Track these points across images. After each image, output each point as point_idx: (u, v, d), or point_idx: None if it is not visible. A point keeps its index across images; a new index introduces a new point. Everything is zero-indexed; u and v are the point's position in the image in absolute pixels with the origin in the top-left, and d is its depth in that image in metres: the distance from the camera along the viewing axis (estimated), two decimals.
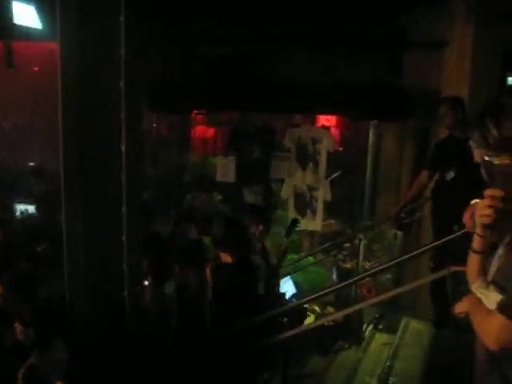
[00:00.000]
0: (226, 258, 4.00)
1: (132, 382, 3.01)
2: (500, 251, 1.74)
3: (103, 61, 2.95)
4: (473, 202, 2.50)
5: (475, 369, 1.90)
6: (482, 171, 1.73)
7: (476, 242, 1.83)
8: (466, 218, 2.43)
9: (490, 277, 1.76)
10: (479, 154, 1.66)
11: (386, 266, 3.74)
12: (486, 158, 1.63)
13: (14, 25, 5.76)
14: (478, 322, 1.72)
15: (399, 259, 3.76)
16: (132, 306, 3.11)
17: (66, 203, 3.04)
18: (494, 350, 1.66)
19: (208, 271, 4.08)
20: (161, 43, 6.16)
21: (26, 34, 6.09)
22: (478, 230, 1.83)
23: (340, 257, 6.40)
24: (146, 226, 5.30)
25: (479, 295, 1.72)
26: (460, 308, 1.87)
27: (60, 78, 2.95)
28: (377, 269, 3.94)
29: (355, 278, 3.84)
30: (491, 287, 1.70)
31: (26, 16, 5.83)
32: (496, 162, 1.61)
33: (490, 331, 1.66)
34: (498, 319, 1.61)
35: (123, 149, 2.97)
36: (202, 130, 9.37)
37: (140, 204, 3.32)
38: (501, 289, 1.66)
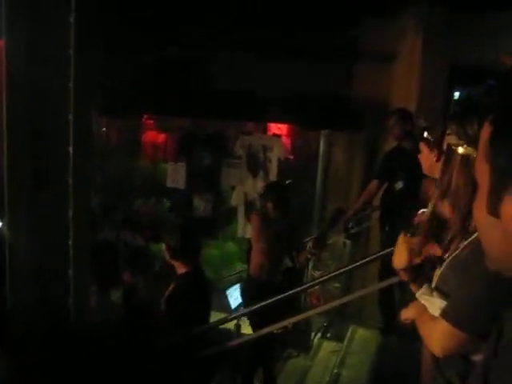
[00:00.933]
0: (180, 267, 3.94)
1: None
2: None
3: (51, 60, 2.87)
4: (420, 211, 2.55)
5: (422, 375, 1.92)
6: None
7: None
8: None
9: (433, 283, 1.79)
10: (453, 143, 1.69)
11: (334, 274, 3.76)
12: (459, 150, 1.66)
13: None
14: (423, 328, 1.75)
15: (347, 268, 3.79)
16: (77, 313, 3.03)
17: (10, 207, 2.94)
18: (439, 355, 1.69)
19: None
20: (112, 46, 6.08)
21: None
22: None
23: (290, 265, 6.40)
24: (94, 231, 5.19)
25: (423, 302, 1.75)
26: (406, 315, 1.89)
27: (5, 76, 2.86)
28: (325, 277, 3.96)
29: (304, 287, 3.85)
30: (435, 294, 1.72)
31: None
32: (461, 151, 1.65)
33: (434, 337, 1.68)
34: (442, 325, 1.63)
35: (71, 151, 2.90)
36: (153, 136, 9.26)
37: (88, 208, 3.23)
38: (444, 295, 1.69)
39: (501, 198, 0.79)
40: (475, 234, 1.65)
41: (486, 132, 0.85)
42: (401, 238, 1.91)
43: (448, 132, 1.71)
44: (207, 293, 4.06)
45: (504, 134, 0.79)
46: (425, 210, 2.55)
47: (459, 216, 1.67)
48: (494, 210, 0.81)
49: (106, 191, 7.66)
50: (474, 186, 1.59)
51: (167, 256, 3.90)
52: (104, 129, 8.78)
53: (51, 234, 2.94)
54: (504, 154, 0.79)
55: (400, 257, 1.88)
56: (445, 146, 1.73)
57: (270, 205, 4.62)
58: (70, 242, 2.90)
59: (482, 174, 0.85)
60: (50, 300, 2.99)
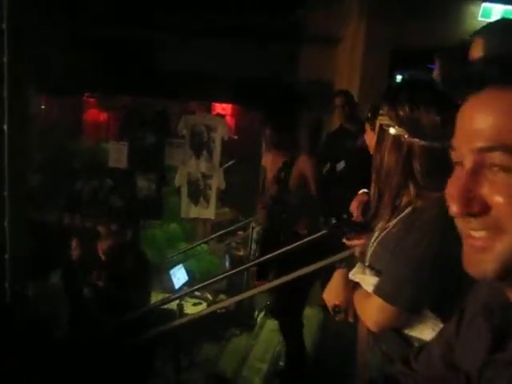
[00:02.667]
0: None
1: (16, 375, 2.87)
2: (375, 235, 1.82)
3: None
4: (360, 191, 2.59)
5: (358, 349, 1.97)
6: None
7: None
8: (352, 206, 2.52)
9: (366, 261, 1.83)
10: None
11: (276, 253, 3.79)
12: (391, 131, 1.69)
13: None
14: (358, 304, 1.79)
15: (289, 247, 3.82)
16: (15, 298, 2.96)
17: None
18: (374, 330, 1.74)
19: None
20: (51, 22, 5.88)
21: None
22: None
23: (233, 245, 6.44)
24: (32, 212, 5.06)
25: (357, 280, 1.79)
26: (329, 299, 1.92)
27: None
28: (267, 256, 3.99)
29: (246, 265, 3.87)
30: (367, 271, 1.76)
31: None
32: (392, 131, 1.68)
33: (368, 312, 1.73)
34: (375, 300, 1.68)
35: (5, 129, 2.81)
36: (95, 114, 9.06)
37: (24, 190, 3.14)
38: (377, 272, 1.73)
39: None
40: (404, 212, 1.70)
41: None
42: (338, 273, 1.92)
43: (381, 112, 1.74)
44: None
45: None
46: (365, 190, 2.60)
47: (391, 195, 1.71)
48: None
49: (46, 171, 7.46)
50: (402, 167, 1.65)
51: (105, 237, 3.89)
52: (43, 107, 8.53)
53: None
54: None
55: (334, 294, 1.89)
56: (377, 127, 1.77)
57: None
58: (6, 224, 2.82)
59: None
60: None
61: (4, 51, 2.71)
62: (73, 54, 6.22)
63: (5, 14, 2.65)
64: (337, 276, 1.91)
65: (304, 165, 4.33)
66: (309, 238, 3.55)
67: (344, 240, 2.18)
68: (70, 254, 4.59)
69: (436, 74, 3.27)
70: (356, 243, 2.13)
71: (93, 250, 4.19)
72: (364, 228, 2.04)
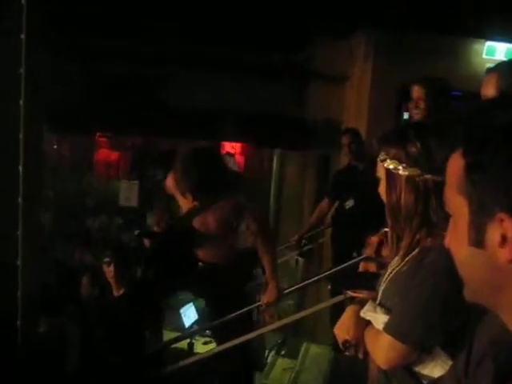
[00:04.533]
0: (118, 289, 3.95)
1: None
2: (387, 273, 1.83)
3: (2, 78, 2.84)
4: (382, 230, 2.54)
5: None
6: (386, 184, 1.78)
7: None
8: (368, 249, 2.49)
9: (377, 298, 1.84)
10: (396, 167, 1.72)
11: (287, 291, 3.80)
12: (400, 171, 1.70)
13: None
14: (368, 342, 1.79)
15: (300, 285, 3.83)
16: (25, 335, 2.97)
17: None
18: (384, 368, 1.73)
19: None
20: (64, 62, 6.02)
21: None
22: None
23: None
24: (44, 249, 5.10)
25: (368, 318, 1.79)
26: (340, 334, 1.92)
27: None
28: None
29: (256, 304, 3.87)
30: (378, 309, 1.77)
31: None
32: (405, 172, 1.69)
33: (378, 350, 1.73)
34: (385, 338, 1.68)
35: (20, 170, 2.87)
36: (106, 153, 9.16)
37: (37, 228, 3.18)
38: (387, 310, 1.74)
39: (483, 229, 0.79)
40: (416, 250, 1.71)
41: (455, 164, 0.85)
42: (349, 309, 1.93)
43: (384, 157, 1.75)
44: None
45: (481, 166, 0.78)
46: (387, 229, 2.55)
47: (410, 236, 1.72)
48: (476, 241, 0.81)
49: (58, 209, 7.53)
50: (422, 206, 1.65)
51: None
52: (55, 146, 8.65)
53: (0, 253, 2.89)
54: (482, 187, 0.79)
55: (345, 330, 1.88)
56: (381, 173, 1.77)
57: None
58: (19, 263, 2.85)
59: (456, 206, 0.85)
60: None
61: (21, 94, 2.79)
62: (84, 94, 6.35)
63: (22, 58, 2.73)
64: (348, 312, 1.91)
65: None
66: (319, 276, 3.56)
67: (347, 291, 2.17)
68: (80, 291, 4.62)
69: None
70: (358, 295, 2.13)
71: (103, 287, 4.22)
72: (371, 285, 2.04)
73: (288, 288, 3.97)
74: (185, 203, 3.73)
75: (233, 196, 3.65)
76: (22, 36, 2.71)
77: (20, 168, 2.86)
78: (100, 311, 4.19)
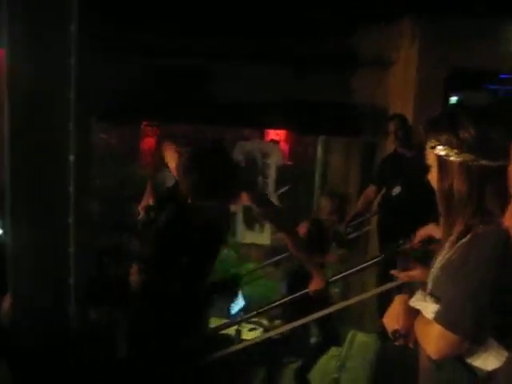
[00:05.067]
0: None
1: None
2: (437, 260, 1.79)
3: (52, 70, 2.90)
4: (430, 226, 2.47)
5: (420, 377, 1.94)
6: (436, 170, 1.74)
7: None
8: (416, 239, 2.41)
9: (428, 287, 1.81)
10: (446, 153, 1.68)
11: (332, 279, 3.78)
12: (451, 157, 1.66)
13: None
14: (419, 332, 1.77)
15: (346, 273, 3.81)
16: (79, 323, 3.05)
17: (11, 216, 2.97)
18: (435, 358, 1.71)
19: None
20: (111, 53, 6.11)
21: None
22: None
23: (289, 269, 6.42)
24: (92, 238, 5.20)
25: (418, 307, 1.77)
26: (390, 324, 1.90)
27: (6, 86, 2.90)
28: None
29: (302, 292, 3.86)
30: (428, 299, 1.74)
31: None
32: (458, 158, 1.65)
33: (429, 341, 1.70)
34: (436, 328, 1.65)
35: (71, 160, 2.93)
36: (152, 142, 9.28)
37: (88, 217, 3.26)
38: (437, 299, 1.71)
39: None
40: (466, 238, 1.67)
41: None
42: (398, 299, 1.90)
43: (432, 145, 1.71)
44: None
45: None
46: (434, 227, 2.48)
47: (463, 223, 1.68)
48: None
49: (105, 199, 7.67)
50: (477, 193, 1.61)
51: None
52: (103, 135, 8.81)
53: (52, 243, 2.97)
54: None
55: (395, 319, 1.86)
56: (431, 160, 1.73)
57: None
58: (71, 250, 2.93)
59: None
60: (47, 311, 3.01)
61: (71, 85, 2.85)
62: (131, 83, 6.43)
63: (72, 49, 2.78)
64: (397, 301, 1.89)
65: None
66: (366, 264, 3.53)
67: (394, 271, 2.14)
68: (129, 278, 4.69)
69: None
70: (404, 276, 2.10)
71: (150, 275, 4.27)
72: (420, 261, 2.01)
73: (334, 276, 3.96)
74: None
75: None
76: (72, 27, 2.76)
77: (70, 158, 2.93)
78: (148, 298, 4.25)
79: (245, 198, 3.29)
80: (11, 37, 2.84)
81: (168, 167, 3.51)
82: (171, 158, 3.43)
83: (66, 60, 2.82)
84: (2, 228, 3.08)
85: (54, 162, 2.92)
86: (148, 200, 3.59)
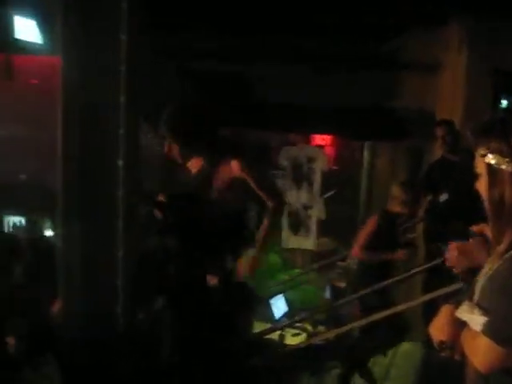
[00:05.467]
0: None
1: None
2: (484, 271, 1.76)
3: (104, 76, 2.99)
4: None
5: None
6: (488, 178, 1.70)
7: None
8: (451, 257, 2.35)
9: (475, 296, 1.78)
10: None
11: (378, 287, 3.76)
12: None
13: (15, 39, 5.88)
14: (466, 344, 1.74)
15: (391, 280, 3.78)
16: (126, 323, 3.12)
17: (62, 219, 3.06)
18: (483, 371, 1.68)
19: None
20: (160, 57, 6.21)
21: (26, 48, 6.22)
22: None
23: (333, 275, 6.41)
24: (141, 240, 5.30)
25: (465, 319, 1.73)
26: (436, 335, 1.87)
27: (61, 91, 3.00)
28: (369, 289, 3.96)
29: (347, 299, 3.85)
30: (475, 311, 1.71)
31: (27, 31, 5.93)
32: (509, 167, 1.61)
33: (477, 353, 1.66)
34: (484, 341, 1.62)
35: (120, 164, 3.01)
36: None
37: (136, 220, 3.33)
38: (485, 311, 1.68)
39: None
40: None
41: None
42: (445, 309, 1.86)
43: (482, 152, 1.68)
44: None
45: None
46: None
47: None
48: None
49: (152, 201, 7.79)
50: None
51: None
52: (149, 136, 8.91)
53: (101, 245, 3.05)
54: None
55: (441, 330, 1.84)
56: (480, 168, 1.69)
57: None
58: (120, 253, 3.00)
59: None
60: (98, 311, 3.09)
61: (120, 91, 2.92)
62: (176, 86, 6.52)
63: (123, 60, 2.86)
64: (444, 312, 1.86)
65: None
66: (418, 269, 3.49)
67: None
68: (174, 279, 4.75)
69: None
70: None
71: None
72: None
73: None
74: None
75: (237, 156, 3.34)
76: (123, 37, 2.84)
77: (120, 162, 3.01)
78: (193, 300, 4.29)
79: (235, 167, 3.25)
80: (66, 46, 2.95)
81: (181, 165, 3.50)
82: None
83: (117, 66, 2.91)
84: (54, 231, 3.18)
85: (104, 166, 3.00)
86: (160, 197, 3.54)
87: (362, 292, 3.93)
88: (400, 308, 3.03)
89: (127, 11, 2.82)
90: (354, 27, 6.09)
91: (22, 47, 6.21)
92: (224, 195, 3.38)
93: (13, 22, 5.78)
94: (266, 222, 3.40)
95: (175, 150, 3.22)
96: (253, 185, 3.29)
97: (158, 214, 3.31)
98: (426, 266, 3.42)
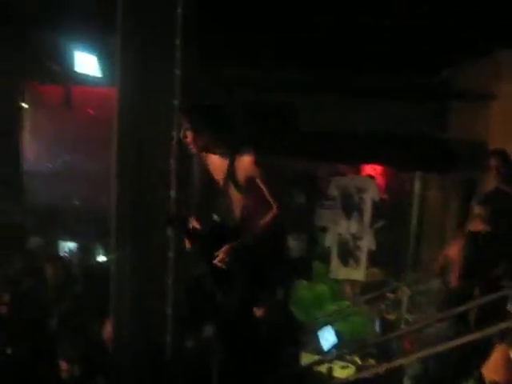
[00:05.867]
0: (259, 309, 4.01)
1: None
2: None
3: (158, 109, 3.09)
4: None
5: None
6: None
7: None
8: None
9: None
10: None
11: (431, 321, 3.67)
12: None
13: (76, 72, 6.21)
14: None
15: (444, 315, 3.69)
16: (174, 350, 3.15)
17: (116, 245, 3.14)
18: None
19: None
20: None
21: (85, 80, 6.56)
22: None
23: (383, 307, 6.31)
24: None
25: None
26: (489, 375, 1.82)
27: (116, 122, 3.11)
28: (423, 324, 3.87)
29: (399, 332, 3.77)
30: None
31: (86, 64, 6.24)
32: None
33: None
34: None
35: (172, 195, 3.08)
36: None
37: (187, 251, 3.37)
38: None
39: None
40: None
41: None
42: (498, 350, 1.83)
43: None
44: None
45: None
46: None
47: None
48: None
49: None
50: None
51: None
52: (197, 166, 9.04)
53: (152, 273, 3.11)
54: None
55: (494, 370, 1.80)
56: None
57: None
58: (170, 281, 3.05)
59: None
60: (147, 337, 3.14)
61: (174, 125, 3.01)
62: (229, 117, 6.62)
63: (177, 94, 2.96)
64: (498, 352, 1.82)
65: None
66: (481, 300, 3.40)
67: None
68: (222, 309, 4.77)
69: None
70: None
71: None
72: None
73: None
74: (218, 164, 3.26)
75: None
76: (177, 72, 2.94)
77: (172, 192, 3.09)
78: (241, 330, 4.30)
79: (248, 162, 3.02)
80: (122, 78, 3.07)
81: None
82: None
83: (171, 100, 3.00)
84: (106, 255, 3.24)
85: (157, 197, 3.08)
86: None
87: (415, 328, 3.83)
88: (451, 344, 2.95)
89: (181, 48, 2.92)
90: (405, 59, 6.07)
91: (81, 79, 6.56)
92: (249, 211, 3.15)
93: (73, 56, 6.11)
94: (263, 223, 3.08)
95: (190, 137, 3.02)
96: (263, 185, 3.06)
97: (187, 243, 3.16)
98: (480, 300, 3.32)
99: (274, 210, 3.05)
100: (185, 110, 3.04)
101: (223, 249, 2.93)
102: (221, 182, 3.17)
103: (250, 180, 3.05)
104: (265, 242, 3.07)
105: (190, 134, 2.97)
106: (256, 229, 3.02)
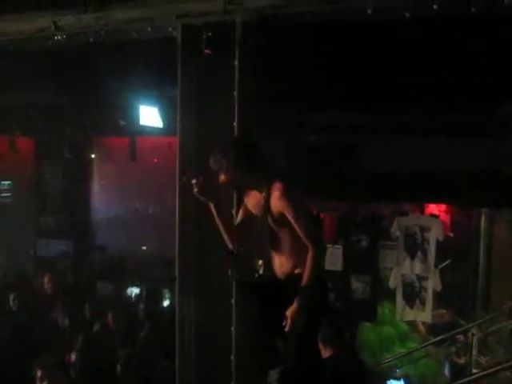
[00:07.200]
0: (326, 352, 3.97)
1: None
2: None
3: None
4: None
5: None
6: None
7: None
8: None
9: None
10: None
11: (507, 364, 3.52)
12: None
13: (141, 125, 6.58)
14: None
15: None
16: None
17: (180, 293, 3.22)
18: None
19: None
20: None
21: (149, 131, 6.93)
22: None
23: (452, 350, 6.10)
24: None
25: None
26: None
27: (178, 170, 3.23)
28: (498, 367, 3.72)
29: (471, 377, 3.63)
30: None
31: (150, 117, 6.58)
32: None
33: None
34: None
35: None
36: None
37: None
38: None
39: None
40: None
41: None
42: None
43: None
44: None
45: None
46: None
47: None
48: None
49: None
50: None
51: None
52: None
53: (215, 319, 3.16)
54: None
55: None
56: None
57: None
58: (232, 329, 3.09)
59: None
60: (212, 382, 3.18)
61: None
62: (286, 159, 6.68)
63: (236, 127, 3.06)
64: None
65: None
66: None
67: None
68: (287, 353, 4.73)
69: None
70: None
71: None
72: None
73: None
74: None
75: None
76: (235, 123, 3.04)
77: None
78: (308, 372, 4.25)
79: (276, 190, 2.95)
80: (183, 128, 3.20)
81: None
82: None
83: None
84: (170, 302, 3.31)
85: (218, 245, 3.14)
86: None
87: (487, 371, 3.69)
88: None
89: (238, 100, 3.02)
90: (461, 92, 6.00)
91: (145, 131, 6.94)
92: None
93: (139, 111, 6.47)
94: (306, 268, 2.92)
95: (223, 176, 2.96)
96: (291, 218, 2.91)
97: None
98: None
99: (310, 251, 2.88)
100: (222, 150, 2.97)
101: (288, 314, 2.84)
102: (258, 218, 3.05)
103: (280, 214, 2.92)
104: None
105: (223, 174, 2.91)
106: (302, 279, 2.87)
